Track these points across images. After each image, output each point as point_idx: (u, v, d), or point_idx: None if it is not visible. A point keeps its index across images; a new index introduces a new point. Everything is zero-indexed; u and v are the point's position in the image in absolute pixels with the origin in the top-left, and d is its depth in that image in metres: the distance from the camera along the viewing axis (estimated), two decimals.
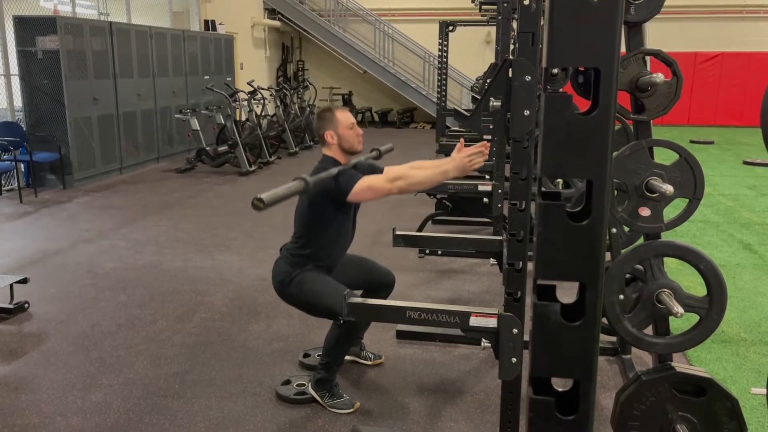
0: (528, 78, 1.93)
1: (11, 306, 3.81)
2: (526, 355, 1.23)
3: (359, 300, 2.52)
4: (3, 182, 7.49)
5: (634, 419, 1.85)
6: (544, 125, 1.01)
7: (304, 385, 2.92)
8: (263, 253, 5.08)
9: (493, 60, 9.90)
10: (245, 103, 9.57)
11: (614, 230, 2.49)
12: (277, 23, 14.79)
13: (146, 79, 9.15)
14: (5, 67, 7.49)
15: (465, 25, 11.16)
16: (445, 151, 8.20)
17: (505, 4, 3.98)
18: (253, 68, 13.77)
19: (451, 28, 10.61)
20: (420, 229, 5.29)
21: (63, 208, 6.68)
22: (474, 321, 2.32)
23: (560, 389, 1.12)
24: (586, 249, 1.03)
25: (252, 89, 9.77)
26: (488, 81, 6.54)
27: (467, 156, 2.52)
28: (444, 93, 10.87)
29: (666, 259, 2.04)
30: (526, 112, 1.94)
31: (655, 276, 2.00)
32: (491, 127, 2.13)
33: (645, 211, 1.98)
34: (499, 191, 4.23)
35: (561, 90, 1.03)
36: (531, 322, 1.11)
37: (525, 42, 1.99)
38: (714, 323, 1.97)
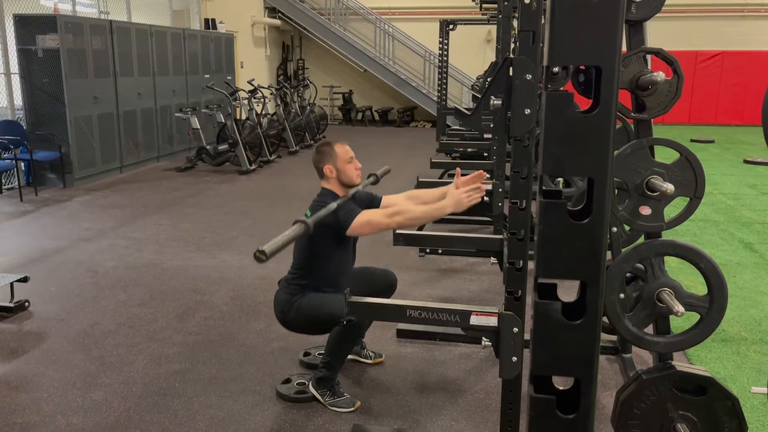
0: (529, 76, 1.93)
1: (12, 305, 3.82)
2: (527, 354, 1.23)
3: (360, 299, 2.53)
4: (3, 181, 7.48)
5: (634, 418, 1.85)
6: (545, 124, 1.01)
7: (304, 383, 2.92)
8: None
9: (493, 59, 9.90)
10: (245, 101, 9.57)
11: (615, 229, 2.49)
12: (277, 22, 14.79)
13: (146, 78, 9.14)
14: (5, 65, 7.48)
15: (465, 24, 11.16)
16: (446, 150, 8.20)
17: (506, 3, 3.97)
18: (254, 67, 13.77)
19: (451, 26, 10.60)
20: (420, 228, 5.29)
21: (63, 207, 6.68)
22: (474, 320, 2.32)
23: (561, 388, 1.12)
24: (586, 248, 1.03)
25: (252, 88, 9.76)
26: (489, 80, 6.54)
27: (465, 192, 2.59)
28: (444, 92, 10.85)
29: (667, 258, 2.04)
30: (527, 111, 1.94)
31: (655, 275, 2.00)
32: (492, 125, 2.13)
33: (646, 210, 1.98)
34: (500, 190, 4.22)
35: (562, 89, 1.02)
36: (532, 320, 1.11)
37: (526, 40, 1.99)
38: (714, 322, 1.97)
